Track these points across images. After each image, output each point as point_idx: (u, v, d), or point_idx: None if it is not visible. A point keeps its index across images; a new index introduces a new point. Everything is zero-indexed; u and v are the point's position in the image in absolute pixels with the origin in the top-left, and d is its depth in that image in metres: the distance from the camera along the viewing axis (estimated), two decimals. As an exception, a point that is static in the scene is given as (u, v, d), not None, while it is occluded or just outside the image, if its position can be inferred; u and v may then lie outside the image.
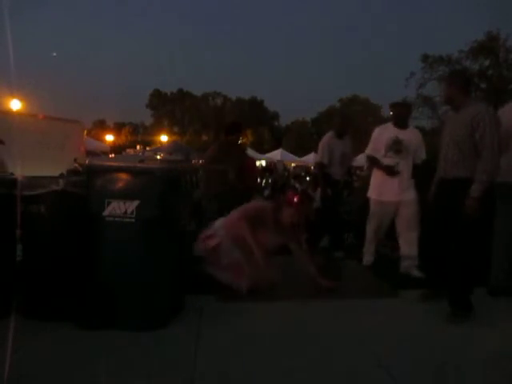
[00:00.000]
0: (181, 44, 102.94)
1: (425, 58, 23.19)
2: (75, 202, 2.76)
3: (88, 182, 2.77)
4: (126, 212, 2.68)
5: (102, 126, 51.82)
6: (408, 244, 4.16)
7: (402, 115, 4.25)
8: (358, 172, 11.35)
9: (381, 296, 3.57)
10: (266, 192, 8.84)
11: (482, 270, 3.48)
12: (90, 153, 14.63)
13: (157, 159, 18.35)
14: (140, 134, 51.98)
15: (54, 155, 7.32)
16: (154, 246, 2.72)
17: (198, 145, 37.98)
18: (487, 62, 22.02)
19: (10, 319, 2.64)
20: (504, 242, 3.52)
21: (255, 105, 53.30)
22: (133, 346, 2.49)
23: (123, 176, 2.77)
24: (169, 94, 53.17)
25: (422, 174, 4.05)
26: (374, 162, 4.33)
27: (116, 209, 2.68)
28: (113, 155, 22.03)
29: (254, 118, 49.03)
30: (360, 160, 8.51)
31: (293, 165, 26.31)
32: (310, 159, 24.72)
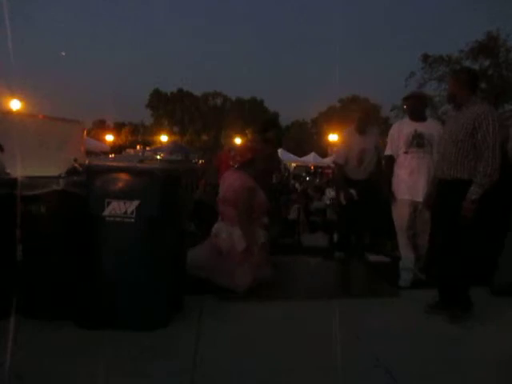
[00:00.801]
0: (181, 44, 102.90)
1: (425, 57, 23.16)
2: (75, 202, 2.76)
3: (88, 181, 2.77)
4: (126, 212, 2.68)
5: (102, 126, 51.79)
6: (423, 247, 3.84)
7: (416, 107, 3.91)
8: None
9: (381, 296, 3.57)
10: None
11: (484, 270, 3.47)
12: (90, 153, 14.63)
13: (157, 159, 18.36)
14: (140, 134, 51.91)
15: (54, 155, 7.32)
16: (153, 246, 2.72)
17: (198, 145, 37.99)
18: (487, 62, 22.00)
19: (9, 319, 2.64)
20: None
21: (255, 105, 53.28)
22: (133, 346, 2.49)
23: (123, 176, 2.77)
24: (169, 94, 53.15)
25: None
26: (390, 162, 3.99)
27: (116, 209, 2.68)
28: (113, 155, 22.02)
29: (253, 118, 49.05)
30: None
31: (293, 165, 26.32)
32: (310, 159, 24.76)
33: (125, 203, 2.68)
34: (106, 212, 2.68)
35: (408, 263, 3.81)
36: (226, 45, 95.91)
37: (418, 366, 2.36)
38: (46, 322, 2.70)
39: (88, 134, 17.56)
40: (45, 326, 2.66)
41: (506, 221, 3.57)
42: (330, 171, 12.28)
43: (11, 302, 2.70)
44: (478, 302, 3.05)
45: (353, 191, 4.62)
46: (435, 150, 3.67)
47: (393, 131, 4.03)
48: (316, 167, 22.86)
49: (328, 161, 18.21)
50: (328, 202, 6.81)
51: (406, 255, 3.83)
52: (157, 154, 21.57)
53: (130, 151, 32.15)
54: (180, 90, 53.00)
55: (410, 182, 3.79)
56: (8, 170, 4.61)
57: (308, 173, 20.22)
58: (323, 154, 28.16)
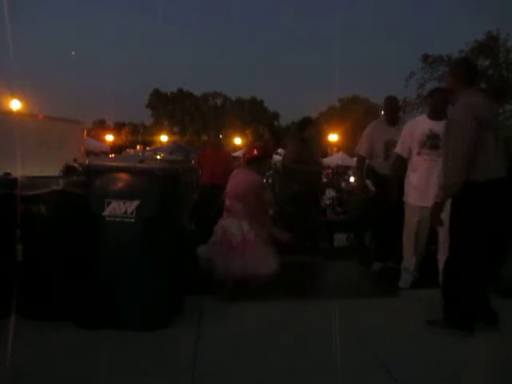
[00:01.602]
0: (181, 44, 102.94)
1: (425, 57, 23.14)
2: (75, 202, 2.76)
3: (88, 181, 2.77)
4: (126, 212, 2.68)
5: (102, 126, 51.77)
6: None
7: (440, 104, 3.48)
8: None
9: (381, 296, 3.57)
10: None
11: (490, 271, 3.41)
12: (90, 153, 14.62)
13: (157, 159, 18.34)
14: (140, 134, 51.90)
15: (54, 155, 7.31)
16: (153, 246, 2.72)
17: (198, 145, 37.96)
18: (487, 62, 21.97)
19: (10, 319, 2.64)
20: None
21: (255, 105, 53.26)
22: (133, 346, 2.49)
23: (123, 176, 2.77)
24: (169, 94, 53.13)
25: None
26: (398, 163, 3.69)
27: (116, 209, 2.68)
28: (113, 155, 22.00)
29: (253, 118, 49.02)
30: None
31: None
32: (310, 159, 24.62)
33: (125, 203, 2.68)
34: (106, 212, 2.68)
35: (409, 264, 3.69)
36: (225, 45, 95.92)
37: (418, 366, 2.36)
38: (46, 322, 2.70)
39: (88, 134, 17.55)
40: (45, 326, 2.66)
41: None
42: (330, 171, 12.27)
43: (11, 302, 2.70)
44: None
45: (368, 182, 4.30)
46: None
47: (406, 129, 3.73)
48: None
49: (328, 161, 18.17)
50: (328, 202, 6.80)
51: (408, 256, 3.70)
52: (157, 154, 21.55)
53: (130, 151, 32.14)
54: (180, 90, 52.98)
55: (421, 187, 3.49)
56: (8, 170, 4.61)
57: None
58: (323, 153, 28.11)
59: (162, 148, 25.61)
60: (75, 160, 6.90)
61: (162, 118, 52.45)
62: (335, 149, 25.66)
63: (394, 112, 4.40)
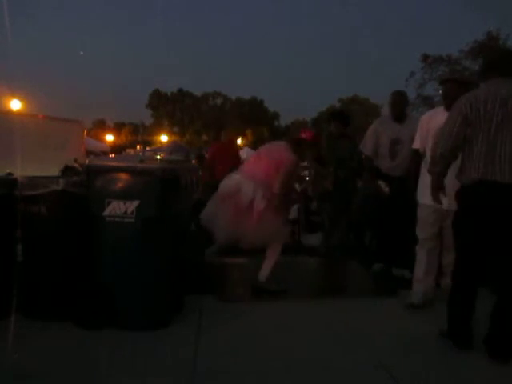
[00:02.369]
0: (181, 44, 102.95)
1: (425, 57, 23.15)
2: (75, 202, 2.76)
3: (88, 182, 2.77)
4: (125, 212, 2.68)
5: (102, 126, 51.78)
6: (447, 266, 3.14)
7: (455, 93, 3.02)
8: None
9: (381, 296, 3.57)
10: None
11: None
12: (90, 153, 14.61)
13: (157, 159, 18.34)
14: (140, 134, 51.95)
15: (54, 155, 7.29)
16: (154, 246, 2.72)
17: (198, 145, 37.98)
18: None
19: (10, 319, 2.64)
20: None
21: (255, 105, 53.28)
22: (133, 346, 2.49)
23: (123, 176, 2.77)
24: (169, 94, 53.15)
25: None
26: (417, 160, 3.42)
27: (116, 209, 2.68)
28: (113, 155, 21.99)
29: (254, 118, 49.04)
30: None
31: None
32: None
33: (125, 203, 2.68)
34: (106, 212, 2.69)
35: (418, 290, 3.28)
36: (225, 45, 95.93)
37: (418, 366, 2.36)
38: (46, 322, 2.70)
39: (88, 134, 17.55)
40: (45, 326, 2.66)
41: None
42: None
43: (11, 302, 2.71)
44: (479, 302, 3.04)
45: (381, 183, 4.02)
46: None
47: (422, 121, 3.42)
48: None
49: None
50: None
51: (420, 276, 3.29)
52: (157, 154, 21.51)
53: (130, 151, 32.10)
54: (180, 90, 53.02)
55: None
56: (8, 170, 4.61)
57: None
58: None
59: (161, 148, 25.58)
60: (75, 160, 6.89)
61: (162, 118, 52.48)
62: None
63: (401, 108, 4.10)
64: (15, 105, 14.74)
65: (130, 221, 2.68)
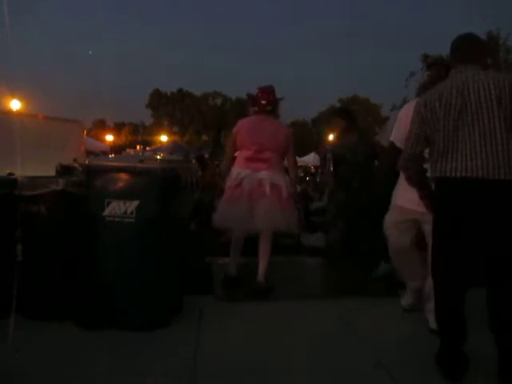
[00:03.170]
0: (181, 43, 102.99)
1: (425, 58, 23.17)
2: (75, 202, 2.76)
3: (88, 182, 2.77)
4: (125, 212, 2.68)
5: (102, 126, 51.78)
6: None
7: (443, 79, 2.66)
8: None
9: (381, 296, 3.57)
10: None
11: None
12: (90, 153, 14.61)
13: (157, 159, 18.33)
14: (140, 134, 51.96)
15: (54, 155, 7.29)
16: (153, 246, 2.72)
17: (198, 145, 37.98)
18: (487, 62, 22.02)
19: (9, 319, 2.64)
20: None
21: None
22: (133, 346, 2.49)
23: (123, 176, 2.77)
24: (169, 93, 53.15)
25: None
26: (392, 153, 3.00)
27: (116, 209, 2.68)
28: (113, 155, 22.00)
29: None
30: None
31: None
32: (311, 159, 24.74)
33: (125, 203, 2.68)
34: (106, 212, 2.69)
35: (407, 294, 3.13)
36: (225, 44, 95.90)
37: (418, 366, 2.36)
38: (46, 322, 2.70)
39: (88, 134, 17.56)
40: (45, 326, 2.67)
41: None
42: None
43: (11, 302, 2.70)
44: (480, 303, 3.03)
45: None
46: None
47: (402, 112, 3.05)
48: (316, 167, 22.85)
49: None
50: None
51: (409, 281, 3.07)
52: (157, 154, 21.53)
53: (130, 151, 32.10)
54: (180, 90, 53.00)
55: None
56: (8, 170, 4.61)
57: (308, 172, 20.19)
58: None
59: (161, 148, 25.57)
60: (75, 160, 6.89)
61: (162, 118, 52.47)
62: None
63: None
64: (15, 105, 14.73)
65: (130, 221, 2.68)
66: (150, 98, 52.95)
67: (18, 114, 9.78)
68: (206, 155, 9.65)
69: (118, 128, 52.16)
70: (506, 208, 2.07)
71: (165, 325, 2.75)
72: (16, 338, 2.45)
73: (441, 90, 2.23)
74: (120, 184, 2.74)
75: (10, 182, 2.89)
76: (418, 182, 2.40)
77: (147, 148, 29.34)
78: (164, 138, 38.43)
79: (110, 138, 36.41)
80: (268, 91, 3.67)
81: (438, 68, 3.06)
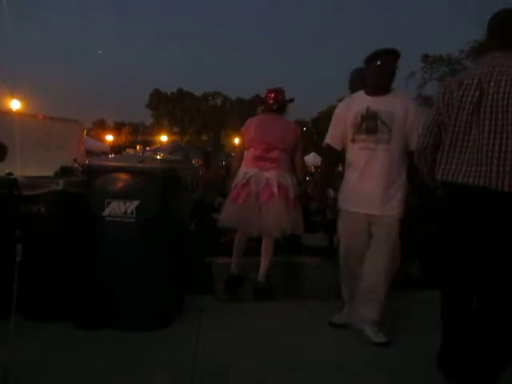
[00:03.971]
0: (181, 43, 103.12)
1: (425, 57, 23.20)
2: (75, 202, 2.76)
3: (88, 182, 2.77)
4: (125, 212, 2.68)
5: (101, 126, 51.86)
6: (370, 287, 2.63)
7: (385, 72, 2.59)
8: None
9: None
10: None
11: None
12: (90, 153, 14.63)
13: (157, 159, 18.36)
14: (140, 134, 52.00)
15: (54, 155, 7.30)
16: (153, 246, 2.72)
17: (198, 145, 38.02)
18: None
19: (10, 319, 2.64)
20: None
21: (255, 105, 53.23)
22: (133, 346, 2.49)
23: (123, 176, 2.77)
24: (169, 93, 53.16)
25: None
26: (330, 155, 2.85)
27: (116, 209, 2.68)
28: (113, 155, 22.02)
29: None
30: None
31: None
32: (311, 159, 24.75)
33: (125, 203, 2.68)
34: (106, 212, 2.69)
35: (346, 295, 2.87)
36: (226, 44, 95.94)
37: (418, 366, 2.36)
38: (46, 322, 2.70)
39: (88, 133, 17.58)
40: (45, 326, 2.66)
41: None
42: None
43: (11, 302, 2.70)
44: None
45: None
46: (398, 140, 2.53)
47: (339, 110, 2.79)
48: (316, 167, 22.85)
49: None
50: (329, 202, 6.78)
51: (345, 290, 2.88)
52: (157, 154, 21.57)
53: (130, 151, 32.16)
54: (180, 90, 53.00)
55: (358, 188, 2.63)
56: (8, 170, 4.62)
57: (308, 172, 20.20)
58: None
59: (161, 148, 25.61)
60: (75, 160, 6.90)
61: (162, 118, 52.49)
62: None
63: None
64: (15, 105, 14.74)
65: (130, 221, 2.68)
66: (150, 98, 52.96)
67: (18, 113, 9.79)
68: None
69: (117, 128, 52.21)
70: (505, 223, 1.83)
71: (165, 325, 2.75)
72: (16, 337, 2.45)
73: (462, 77, 1.93)
74: (120, 184, 2.74)
75: (9, 182, 2.89)
76: (431, 181, 2.17)
77: (147, 148, 29.39)
78: (164, 138, 38.50)
79: (109, 138, 36.47)
80: (276, 91, 3.70)
81: (386, 59, 2.60)
